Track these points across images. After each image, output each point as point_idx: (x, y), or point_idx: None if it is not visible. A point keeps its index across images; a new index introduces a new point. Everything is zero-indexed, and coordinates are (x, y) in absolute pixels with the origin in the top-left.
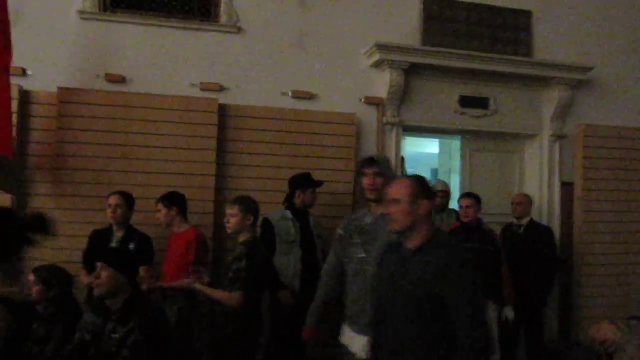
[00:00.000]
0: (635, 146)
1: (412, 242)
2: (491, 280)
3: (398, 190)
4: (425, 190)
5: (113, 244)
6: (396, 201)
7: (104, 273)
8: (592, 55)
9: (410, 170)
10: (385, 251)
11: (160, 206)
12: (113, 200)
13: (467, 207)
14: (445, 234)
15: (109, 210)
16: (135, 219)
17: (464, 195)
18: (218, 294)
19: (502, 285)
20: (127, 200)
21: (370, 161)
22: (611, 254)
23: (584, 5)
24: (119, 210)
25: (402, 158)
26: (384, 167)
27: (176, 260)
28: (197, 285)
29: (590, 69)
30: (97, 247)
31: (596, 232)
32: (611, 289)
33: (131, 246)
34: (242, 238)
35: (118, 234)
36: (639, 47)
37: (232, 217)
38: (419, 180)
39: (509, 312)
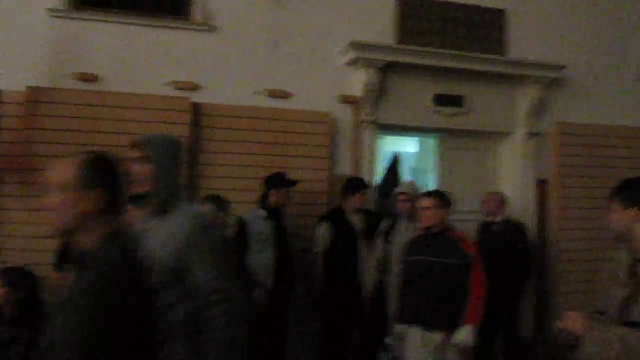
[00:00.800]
0: (609, 144)
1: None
2: (449, 304)
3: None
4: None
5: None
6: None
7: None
8: (566, 54)
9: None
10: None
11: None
12: None
13: (426, 208)
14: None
15: None
16: None
17: (424, 194)
18: None
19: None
20: None
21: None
22: (586, 250)
23: (557, 5)
24: None
25: (397, 157)
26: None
27: None
28: None
29: (563, 67)
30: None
31: (571, 229)
32: (587, 284)
33: None
34: None
35: None
36: (611, 45)
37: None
38: None
39: (463, 335)
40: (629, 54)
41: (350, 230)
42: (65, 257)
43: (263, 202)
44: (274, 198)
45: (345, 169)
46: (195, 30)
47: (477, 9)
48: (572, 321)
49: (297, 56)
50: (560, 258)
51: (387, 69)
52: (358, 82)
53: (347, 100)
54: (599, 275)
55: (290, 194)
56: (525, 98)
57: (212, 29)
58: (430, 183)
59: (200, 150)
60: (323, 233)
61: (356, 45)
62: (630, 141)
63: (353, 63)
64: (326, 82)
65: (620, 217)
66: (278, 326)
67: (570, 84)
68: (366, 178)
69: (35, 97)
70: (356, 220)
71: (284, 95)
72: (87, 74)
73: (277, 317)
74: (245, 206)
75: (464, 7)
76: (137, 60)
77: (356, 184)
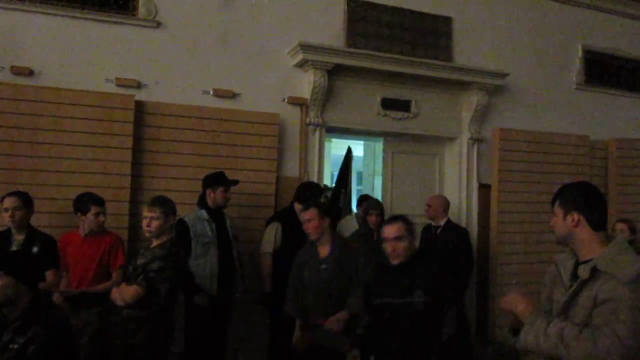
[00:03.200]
0: (547, 149)
1: None
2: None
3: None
4: None
5: (14, 248)
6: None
7: (0, 281)
8: (508, 61)
9: (336, 173)
10: None
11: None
12: (9, 202)
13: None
14: None
15: (5, 215)
16: (44, 220)
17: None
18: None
19: None
20: (25, 201)
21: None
22: (525, 254)
23: (501, 14)
24: (17, 214)
25: (350, 150)
26: None
27: (94, 264)
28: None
29: (506, 75)
30: None
31: (510, 233)
32: (526, 287)
33: (35, 249)
34: (159, 241)
35: (18, 237)
36: (551, 55)
37: (154, 220)
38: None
39: None
40: (568, 64)
41: (301, 231)
42: None
43: (202, 202)
44: (210, 198)
45: (292, 170)
46: (139, 25)
47: (424, 15)
48: (515, 302)
49: (246, 56)
50: (499, 260)
51: (336, 72)
52: (306, 83)
53: (295, 101)
54: (543, 277)
55: (229, 194)
56: (470, 104)
57: (157, 25)
58: (376, 186)
59: (143, 150)
60: (274, 233)
61: (305, 47)
62: (569, 148)
63: (301, 64)
64: (274, 83)
65: (561, 222)
66: (220, 330)
67: (513, 91)
68: (313, 179)
69: None
70: None
71: (231, 95)
72: (22, 68)
73: (221, 320)
74: (191, 208)
75: (412, 13)
76: (78, 55)
77: (313, 190)
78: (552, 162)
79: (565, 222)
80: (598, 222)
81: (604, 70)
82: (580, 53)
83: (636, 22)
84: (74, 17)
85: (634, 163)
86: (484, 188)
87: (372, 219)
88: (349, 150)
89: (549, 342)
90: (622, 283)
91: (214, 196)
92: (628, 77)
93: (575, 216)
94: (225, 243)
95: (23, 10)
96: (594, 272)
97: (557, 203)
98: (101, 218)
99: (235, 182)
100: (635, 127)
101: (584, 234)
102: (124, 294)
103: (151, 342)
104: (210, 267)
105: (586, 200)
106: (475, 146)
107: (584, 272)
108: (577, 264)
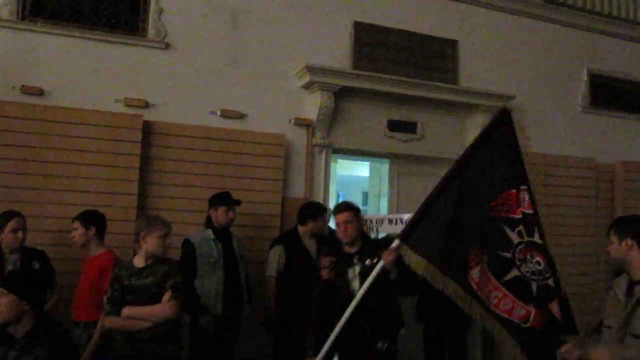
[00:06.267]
0: (553, 172)
1: None
2: None
3: None
4: None
5: (9, 267)
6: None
7: (4, 300)
8: (514, 84)
9: (342, 194)
10: None
11: (76, 224)
12: (19, 223)
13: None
14: None
15: (12, 235)
16: (48, 239)
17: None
18: (150, 309)
19: None
20: (25, 221)
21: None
22: None
23: (506, 37)
24: (22, 234)
25: None
26: None
27: (89, 286)
28: (125, 310)
29: (512, 97)
30: None
31: None
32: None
33: (36, 266)
34: (143, 259)
35: (11, 256)
36: (556, 78)
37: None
38: None
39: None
40: (573, 86)
41: (305, 254)
42: None
43: (208, 222)
44: (214, 217)
45: (298, 191)
46: (149, 46)
47: (430, 38)
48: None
49: (253, 77)
50: None
51: (342, 93)
52: (313, 105)
53: (301, 122)
54: (605, 297)
55: (232, 214)
56: (475, 126)
57: (166, 46)
58: (382, 207)
59: (150, 169)
60: (277, 256)
61: (312, 69)
62: (574, 171)
63: (308, 86)
64: (281, 104)
65: (617, 247)
66: (224, 351)
67: (518, 114)
68: (320, 201)
69: None
70: (311, 245)
71: (238, 116)
72: (33, 87)
73: (225, 342)
74: (197, 227)
75: (418, 36)
76: (88, 75)
77: (313, 209)
78: (558, 185)
79: (620, 247)
80: None
81: (609, 93)
82: (585, 76)
83: None
84: (84, 37)
85: (639, 186)
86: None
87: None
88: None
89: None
90: None
91: (217, 215)
92: (634, 100)
93: (629, 242)
94: (232, 263)
95: (34, 31)
96: None
97: (612, 231)
98: (72, 234)
99: (238, 202)
100: None
101: (637, 257)
102: (160, 312)
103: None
104: (216, 287)
105: (638, 228)
106: None
107: (638, 290)
108: (631, 283)
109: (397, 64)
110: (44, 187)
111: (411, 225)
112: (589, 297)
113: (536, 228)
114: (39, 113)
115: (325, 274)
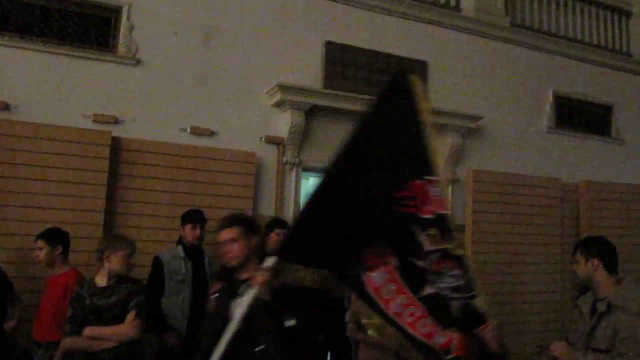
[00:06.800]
0: (520, 192)
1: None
2: None
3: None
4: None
5: None
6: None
7: None
8: (482, 105)
9: None
10: None
11: (41, 244)
12: None
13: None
14: None
15: None
16: (9, 256)
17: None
18: (114, 329)
19: None
20: None
21: None
22: (499, 294)
23: (475, 59)
24: None
25: None
26: None
27: (52, 306)
28: (87, 331)
29: (480, 118)
30: None
31: (484, 273)
32: (501, 328)
33: None
34: (105, 278)
35: None
36: (523, 99)
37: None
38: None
39: None
40: (540, 108)
41: None
42: None
43: (180, 240)
44: (184, 235)
45: (269, 209)
46: (119, 63)
47: (400, 59)
48: (559, 348)
49: (224, 95)
50: None
51: (313, 112)
52: (284, 123)
53: (272, 141)
54: (568, 314)
55: (199, 232)
56: (445, 146)
57: (137, 62)
58: None
59: (119, 187)
60: None
61: (283, 88)
62: (541, 190)
63: (280, 105)
64: (252, 122)
65: (584, 267)
66: None
67: (487, 134)
68: (290, 219)
69: None
70: None
71: (209, 134)
72: None
73: None
74: (165, 245)
75: (388, 56)
76: (55, 91)
77: (272, 223)
78: (525, 204)
79: (586, 267)
80: (612, 267)
81: (574, 115)
82: (551, 98)
83: (604, 69)
84: (53, 52)
85: (604, 205)
86: (460, 229)
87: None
88: None
89: None
90: (635, 314)
91: (185, 233)
92: (597, 121)
93: (596, 262)
94: (202, 282)
95: (1, 45)
96: (610, 307)
97: (579, 252)
98: (36, 253)
99: (204, 221)
100: (604, 171)
101: (601, 276)
102: (125, 332)
103: None
104: (182, 306)
105: (603, 249)
106: (450, 187)
107: (601, 307)
108: (595, 302)
109: (368, 83)
110: (7, 203)
111: (291, 234)
112: (553, 316)
113: (453, 234)
114: (4, 128)
115: (210, 304)
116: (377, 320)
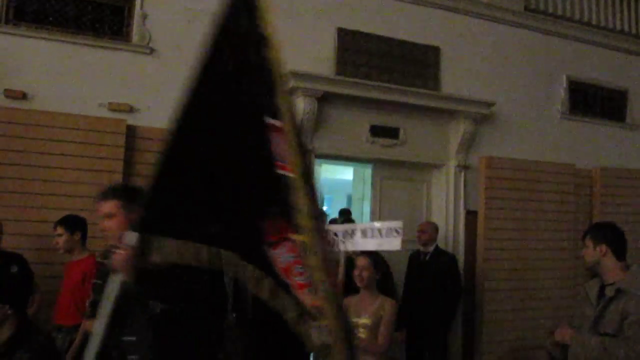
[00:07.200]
0: (533, 177)
1: None
2: None
3: None
4: None
5: None
6: None
7: None
8: (495, 91)
9: (328, 197)
10: None
11: (60, 230)
12: None
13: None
14: None
15: None
16: (29, 243)
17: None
18: None
19: None
20: (0, 225)
21: None
22: (511, 280)
23: (487, 44)
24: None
25: None
26: None
27: (71, 291)
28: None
29: (492, 104)
30: None
31: (497, 259)
32: (513, 313)
33: (14, 269)
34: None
35: None
36: (536, 84)
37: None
38: None
39: None
40: (553, 93)
41: None
42: None
43: None
44: None
45: None
46: (133, 51)
47: (413, 45)
48: (562, 333)
49: None
50: (486, 287)
51: (325, 99)
52: (296, 110)
53: None
54: (576, 299)
55: None
56: (457, 132)
57: (150, 51)
58: (365, 210)
59: (134, 174)
60: None
61: (295, 75)
62: (554, 176)
63: (292, 92)
64: None
65: (592, 252)
66: None
67: (499, 120)
68: None
69: None
70: None
71: None
72: (15, 91)
73: None
74: None
75: (401, 42)
76: (71, 80)
77: None
78: (538, 190)
79: (594, 252)
80: (621, 253)
81: (588, 100)
82: (565, 83)
83: (619, 53)
84: (68, 42)
85: (618, 191)
86: (471, 215)
87: None
88: None
89: (594, 351)
90: None
91: None
92: (611, 106)
93: (604, 248)
94: None
95: (18, 35)
96: (618, 292)
97: (588, 237)
98: (56, 240)
99: None
100: (618, 156)
101: (610, 262)
102: None
103: None
104: None
105: (612, 235)
106: (462, 173)
107: (609, 292)
108: (602, 286)
109: (379, 70)
110: (25, 190)
111: (149, 201)
112: (566, 302)
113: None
114: (21, 117)
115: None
116: (366, 319)
